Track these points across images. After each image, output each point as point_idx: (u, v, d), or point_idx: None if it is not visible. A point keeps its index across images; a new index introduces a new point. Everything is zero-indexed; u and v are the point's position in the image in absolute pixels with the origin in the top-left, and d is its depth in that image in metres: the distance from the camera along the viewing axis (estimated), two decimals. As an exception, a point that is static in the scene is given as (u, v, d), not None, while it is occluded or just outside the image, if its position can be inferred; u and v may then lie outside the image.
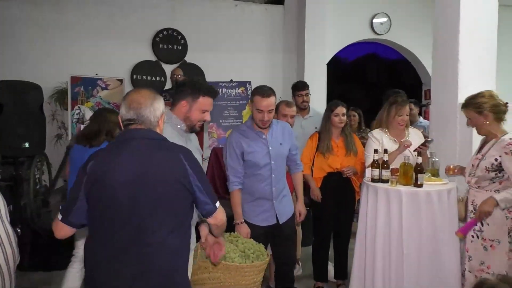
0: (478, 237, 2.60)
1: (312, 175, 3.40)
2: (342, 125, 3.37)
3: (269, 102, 2.65)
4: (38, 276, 3.78)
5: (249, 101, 2.81)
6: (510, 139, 2.50)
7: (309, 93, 4.23)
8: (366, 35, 6.79)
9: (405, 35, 6.81)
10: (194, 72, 6.23)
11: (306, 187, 3.34)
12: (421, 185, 2.71)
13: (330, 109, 3.40)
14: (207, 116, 2.16)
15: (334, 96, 7.05)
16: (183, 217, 1.68)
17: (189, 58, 6.24)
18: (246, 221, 2.73)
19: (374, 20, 6.68)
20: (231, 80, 6.09)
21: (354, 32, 6.74)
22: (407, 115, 3.14)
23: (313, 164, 3.39)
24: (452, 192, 2.75)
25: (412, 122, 3.95)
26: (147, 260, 1.58)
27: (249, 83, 6.13)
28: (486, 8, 3.23)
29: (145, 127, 1.65)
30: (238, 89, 6.09)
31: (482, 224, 2.57)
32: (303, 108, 4.17)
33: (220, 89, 6.01)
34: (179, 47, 6.22)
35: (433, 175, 2.93)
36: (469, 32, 3.17)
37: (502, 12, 3.41)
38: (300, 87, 4.22)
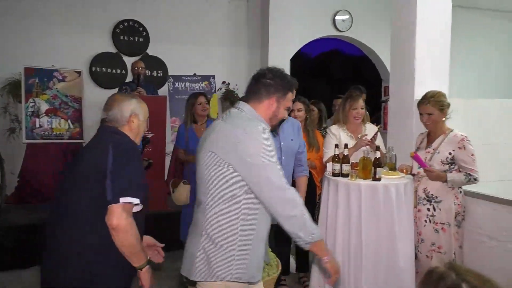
0: (430, 221, 2.83)
1: None
2: (300, 120, 3.40)
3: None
4: None
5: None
6: (462, 135, 2.77)
7: None
8: (328, 31, 6.91)
9: (366, 32, 6.98)
10: (156, 65, 6.11)
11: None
12: (379, 179, 2.80)
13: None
14: (286, 114, 1.90)
15: (298, 91, 7.12)
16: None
17: (151, 50, 6.11)
18: None
19: (337, 17, 6.80)
20: (195, 74, 6.03)
21: (317, 28, 6.83)
22: (362, 109, 3.22)
23: None
24: (409, 185, 2.86)
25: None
26: None
27: (213, 77, 6.09)
28: (441, 8, 3.37)
29: (113, 125, 1.85)
30: (202, 83, 6.03)
31: (434, 209, 2.81)
32: None
33: (183, 83, 5.94)
34: (141, 39, 6.07)
35: (391, 169, 3.03)
36: (425, 32, 3.30)
37: (455, 13, 3.56)
38: None
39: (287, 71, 6.30)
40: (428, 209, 2.83)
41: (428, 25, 3.30)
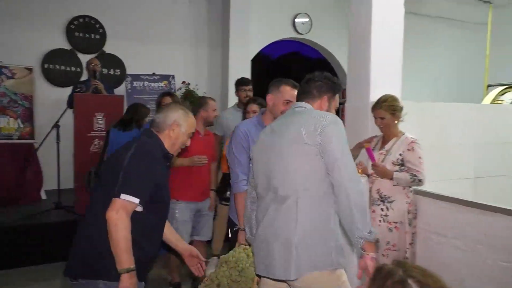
0: (384, 221, 2.93)
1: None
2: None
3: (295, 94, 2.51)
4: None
5: (268, 93, 2.46)
6: (412, 138, 2.91)
7: (252, 89, 4.28)
8: (289, 33, 7.01)
9: (325, 35, 7.14)
10: (114, 63, 5.94)
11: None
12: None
13: (244, 106, 3.47)
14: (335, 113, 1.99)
15: (258, 92, 7.18)
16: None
17: (108, 48, 5.94)
18: (234, 226, 2.53)
19: (296, 20, 6.91)
20: (154, 73, 5.92)
21: (277, 30, 6.91)
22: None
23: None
24: (364, 185, 2.95)
25: None
26: None
27: (173, 76, 6.00)
28: (394, 15, 3.50)
29: (154, 129, 1.97)
30: (161, 82, 5.93)
31: (387, 209, 2.92)
32: (245, 103, 4.19)
33: (142, 82, 5.81)
34: (97, 36, 5.88)
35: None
36: (380, 37, 3.42)
37: (408, 19, 3.72)
38: (245, 82, 4.23)
39: (248, 72, 6.44)
40: (382, 209, 2.93)
41: (383, 31, 3.43)
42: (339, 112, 4.20)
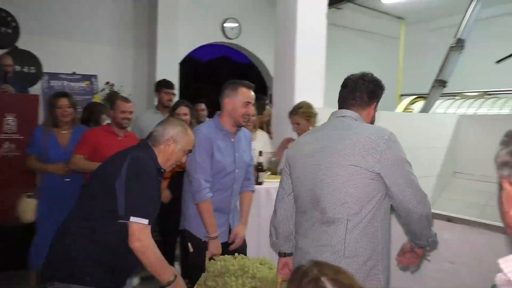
0: None
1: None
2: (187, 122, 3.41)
3: (253, 94, 2.40)
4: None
5: (225, 97, 2.39)
6: None
7: (175, 93, 4.17)
8: (218, 38, 7.02)
9: (254, 41, 7.27)
10: (28, 60, 5.50)
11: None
12: (261, 183, 2.92)
13: (173, 108, 3.40)
14: None
15: (187, 95, 7.07)
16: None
17: (21, 43, 5.47)
18: (196, 238, 2.37)
19: (225, 24, 6.95)
20: (74, 73, 5.58)
21: (206, 33, 6.89)
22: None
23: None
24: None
25: (200, 122, 4.07)
26: None
27: (95, 76, 5.71)
28: (317, 25, 3.68)
29: (151, 141, 1.94)
30: (82, 82, 5.61)
31: None
32: (167, 106, 4.09)
33: (61, 82, 5.45)
34: (9, 30, 5.40)
35: (273, 173, 3.19)
36: (304, 46, 3.57)
37: (331, 31, 3.93)
38: (169, 85, 4.11)
39: (176, 74, 6.33)
40: None
41: (307, 40, 3.59)
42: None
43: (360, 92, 1.75)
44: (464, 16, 5.23)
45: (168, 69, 6.08)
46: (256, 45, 7.31)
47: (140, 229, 1.71)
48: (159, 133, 1.93)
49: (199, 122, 4.14)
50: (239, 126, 2.43)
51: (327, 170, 1.63)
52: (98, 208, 1.77)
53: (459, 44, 5.15)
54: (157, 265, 1.76)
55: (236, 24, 7.05)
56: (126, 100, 3.25)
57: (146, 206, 1.75)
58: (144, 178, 1.77)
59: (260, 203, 2.86)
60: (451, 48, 5.20)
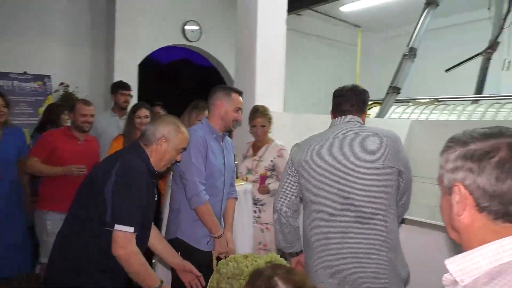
0: (257, 222, 3.16)
1: None
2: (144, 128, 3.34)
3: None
4: None
5: (218, 100, 2.39)
6: (281, 145, 3.20)
7: (132, 94, 4.10)
8: (178, 40, 6.94)
9: (215, 44, 7.25)
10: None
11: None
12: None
13: (133, 111, 3.33)
14: None
15: (147, 97, 6.94)
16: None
17: (-35, 40, 5.16)
18: (190, 247, 2.28)
19: (186, 27, 6.89)
20: (25, 72, 5.33)
21: (167, 36, 6.80)
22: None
23: None
24: (247, 192, 3.06)
25: None
26: None
27: (48, 77, 5.49)
28: (277, 31, 3.74)
29: (142, 141, 1.90)
30: (34, 82, 5.37)
31: (260, 211, 3.15)
32: (123, 108, 3.99)
33: (10, 82, 5.20)
34: (-48, 26, 5.08)
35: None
36: (264, 51, 3.61)
37: (292, 37, 4.00)
38: (126, 86, 4.06)
39: (135, 76, 6.20)
40: (255, 211, 3.17)
41: (267, 45, 3.63)
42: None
43: (356, 100, 1.93)
44: (416, 26, 5.49)
45: (127, 70, 5.94)
46: (217, 48, 7.30)
47: (124, 237, 1.68)
48: (151, 132, 1.89)
49: None
50: (227, 131, 2.49)
51: (357, 171, 1.75)
52: (90, 214, 1.74)
53: (412, 53, 5.39)
54: (141, 272, 1.73)
55: (197, 27, 7.01)
56: (86, 103, 3.17)
57: (133, 214, 1.71)
58: (133, 184, 1.72)
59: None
60: (404, 56, 5.44)
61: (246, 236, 3.00)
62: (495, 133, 0.83)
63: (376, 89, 7.48)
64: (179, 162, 2.05)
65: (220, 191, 2.41)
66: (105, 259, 1.74)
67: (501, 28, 6.29)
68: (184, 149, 1.99)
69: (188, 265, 2.05)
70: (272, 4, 3.67)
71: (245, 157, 3.28)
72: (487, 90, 6.71)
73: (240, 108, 2.42)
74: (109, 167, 1.74)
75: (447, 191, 0.88)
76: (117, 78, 5.30)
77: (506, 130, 0.83)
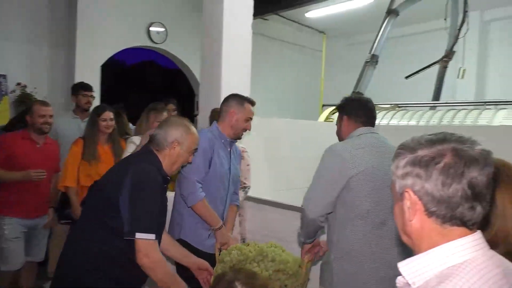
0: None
1: (78, 184, 3.16)
2: (110, 131, 3.27)
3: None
4: None
5: (231, 108, 2.45)
6: (242, 147, 3.17)
7: (94, 95, 3.98)
8: (143, 42, 6.82)
9: (181, 46, 7.18)
10: None
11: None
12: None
13: (96, 113, 3.24)
14: None
15: (111, 99, 6.76)
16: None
17: None
18: (193, 248, 2.27)
19: (151, 28, 6.78)
20: (-22, 71, 5.06)
21: (131, 37, 6.66)
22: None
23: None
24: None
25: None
26: None
27: (4, 76, 5.25)
28: (243, 35, 3.75)
29: (153, 146, 1.86)
30: (-12, 82, 5.12)
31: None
32: (85, 110, 3.88)
33: (-38, 81, 4.94)
34: None
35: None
36: (230, 54, 3.62)
37: (259, 41, 4.03)
38: (88, 87, 3.96)
39: (97, 77, 6.04)
40: None
41: (232, 49, 3.64)
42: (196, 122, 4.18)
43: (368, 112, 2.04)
44: (377, 34, 5.67)
45: (89, 71, 5.76)
46: (183, 51, 7.23)
47: (147, 245, 1.66)
48: (162, 136, 1.84)
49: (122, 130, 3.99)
50: (237, 138, 2.52)
51: (387, 184, 1.89)
52: (99, 222, 1.71)
53: (373, 60, 5.57)
54: (167, 280, 1.72)
55: (163, 29, 6.91)
56: (44, 103, 3.08)
57: (152, 221, 1.69)
58: (148, 192, 1.70)
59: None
60: (367, 63, 5.61)
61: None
62: (440, 139, 0.86)
63: (341, 94, 7.66)
64: (190, 163, 2.04)
65: (223, 195, 2.45)
66: (114, 268, 1.72)
67: (456, 38, 6.61)
68: (196, 149, 1.98)
69: (203, 263, 2.06)
70: (238, 8, 3.69)
71: None
72: (444, 97, 7.03)
73: (251, 118, 2.48)
74: (121, 175, 1.71)
75: (399, 197, 0.91)
76: (78, 79, 5.14)
77: (450, 136, 0.86)
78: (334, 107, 7.21)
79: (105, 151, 3.24)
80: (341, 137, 2.08)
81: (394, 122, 6.18)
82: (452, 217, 0.84)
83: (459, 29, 6.55)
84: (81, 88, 3.93)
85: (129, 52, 7.28)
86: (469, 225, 0.84)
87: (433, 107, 6.58)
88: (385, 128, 5.60)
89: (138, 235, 1.65)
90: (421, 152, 0.86)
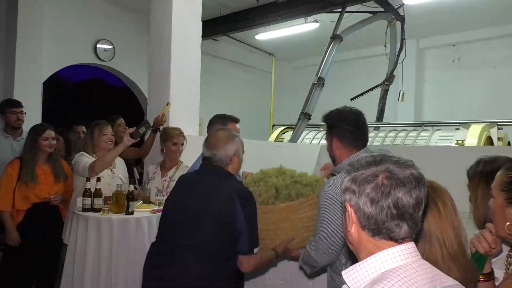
0: None
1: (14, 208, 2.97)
2: (52, 150, 3.11)
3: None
4: None
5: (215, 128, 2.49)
6: (187, 166, 3.15)
7: (24, 112, 3.75)
8: (89, 59, 6.62)
9: (128, 64, 7.03)
10: None
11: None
12: (132, 213, 2.79)
13: (37, 133, 3.07)
14: None
15: (52, 117, 6.45)
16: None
17: None
18: None
19: (98, 46, 6.61)
20: None
21: (77, 53, 6.45)
22: (112, 135, 3.22)
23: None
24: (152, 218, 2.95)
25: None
26: None
27: None
28: (192, 55, 3.76)
29: (218, 164, 1.94)
30: None
31: None
32: (16, 128, 3.65)
33: None
34: None
35: (145, 202, 3.07)
36: (178, 75, 3.61)
37: (208, 61, 4.05)
38: (14, 103, 3.74)
39: (39, 94, 5.75)
40: None
41: (181, 70, 3.63)
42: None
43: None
44: (323, 58, 5.91)
45: (29, 88, 5.47)
46: (131, 69, 7.09)
47: (255, 257, 1.88)
48: (223, 154, 1.93)
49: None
50: None
51: None
52: (220, 249, 1.81)
53: (320, 82, 5.77)
54: (259, 265, 1.99)
55: (110, 46, 6.76)
56: None
57: (257, 233, 1.90)
58: (255, 208, 1.89)
59: (131, 232, 2.72)
60: (314, 84, 5.81)
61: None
62: (377, 161, 0.95)
63: (291, 114, 7.85)
64: None
65: None
66: (232, 284, 1.88)
67: (396, 64, 7.05)
68: (243, 151, 2.08)
69: None
70: (187, 28, 3.69)
71: (154, 177, 3.21)
72: (387, 118, 7.42)
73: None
74: (229, 202, 1.81)
75: (343, 208, 1.00)
76: (17, 96, 4.88)
77: (387, 158, 0.96)
78: (284, 127, 7.37)
79: (44, 171, 3.07)
80: (335, 162, 1.85)
81: (340, 142, 6.40)
82: (380, 232, 0.93)
83: (398, 55, 6.99)
84: (7, 106, 3.72)
85: (76, 69, 7.04)
86: (397, 240, 0.93)
87: (377, 128, 6.91)
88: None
89: (255, 250, 1.86)
90: (360, 172, 0.95)
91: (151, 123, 3.42)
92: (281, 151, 4.99)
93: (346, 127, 1.74)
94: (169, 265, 1.80)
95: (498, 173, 1.25)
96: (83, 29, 6.41)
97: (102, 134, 3.12)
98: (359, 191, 0.94)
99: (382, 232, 0.92)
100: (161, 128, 3.52)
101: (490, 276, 1.21)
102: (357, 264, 0.95)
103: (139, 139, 3.13)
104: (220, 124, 2.53)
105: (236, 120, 2.64)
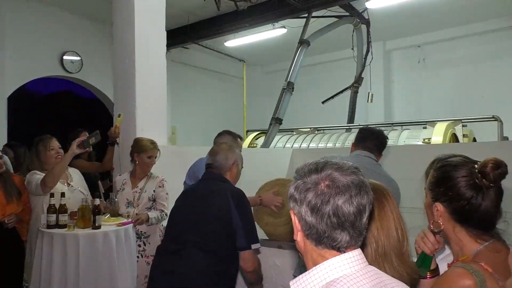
0: (142, 256, 3.05)
1: None
2: (3, 170, 3.01)
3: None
4: None
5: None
6: (161, 177, 3.22)
7: None
8: (56, 71, 6.49)
9: (97, 76, 6.92)
10: None
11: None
12: (99, 227, 2.74)
13: None
14: None
15: (18, 133, 6.27)
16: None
17: None
18: None
19: (65, 57, 6.48)
20: None
21: (42, 66, 6.31)
22: (59, 148, 3.15)
23: None
24: (129, 229, 2.92)
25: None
26: None
27: None
28: (157, 64, 3.74)
29: (217, 171, 2.18)
30: None
31: (145, 244, 3.07)
32: None
33: None
34: None
35: (112, 215, 3.02)
36: (144, 84, 3.58)
37: (174, 68, 4.04)
38: None
39: (3, 110, 5.61)
40: (139, 245, 3.05)
41: (147, 79, 3.61)
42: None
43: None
44: (292, 63, 5.97)
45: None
46: (101, 80, 6.97)
47: (254, 252, 2.03)
48: (223, 162, 2.16)
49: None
50: None
51: None
52: (222, 244, 1.99)
53: (289, 86, 5.82)
54: (259, 275, 2.13)
55: (77, 58, 6.64)
56: None
57: (255, 231, 2.06)
58: (249, 207, 2.09)
59: (98, 247, 2.67)
60: (283, 89, 5.85)
61: (127, 276, 2.82)
62: (320, 168, 0.92)
63: (263, 120, 7.88)
64: None
65: None
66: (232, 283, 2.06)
67: (363, 66, 7.19)
68: (242, 166, 2.30)
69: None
70: (150, 37, 3.67)
71: (123, 189, 3.16)
72: (358, 119, 7.54)
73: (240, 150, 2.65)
74: (224, 202, 2.01)
75: (291, 216, 0.97)
76: (-21, 112, 4.72)
77: (330, 165, 0.93)
78: (257, 132, 7.39)
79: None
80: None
81: (313, 145, 6.47)
82: (322, 242, 0.91)
83: (365, 58, 7.14)
84: None
85: (46, 82, 6.89)
86: (339, 249, 0.91)
87: (348, 129, 7.01)
88: (303, 151, 5.85)
89: (254, 246, 1.99)
90: (303, 179, 0.93)
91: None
92: (255, 156, 5.01)
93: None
94: (177, 261, 1.99)
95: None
96: (48, 41, 6.28)
97: (49, 149, 3.05)
98: (300, 199, 0.91)
99: (324, 241, 0.90)
100: (117, 140, 3.50)
101: (436, 271, 1.25)
102: (303, 274, 0.93)
103: (88, 149, 3.13)
104: (227, 135, 3.01)
105: (240, 137, 3.11)
